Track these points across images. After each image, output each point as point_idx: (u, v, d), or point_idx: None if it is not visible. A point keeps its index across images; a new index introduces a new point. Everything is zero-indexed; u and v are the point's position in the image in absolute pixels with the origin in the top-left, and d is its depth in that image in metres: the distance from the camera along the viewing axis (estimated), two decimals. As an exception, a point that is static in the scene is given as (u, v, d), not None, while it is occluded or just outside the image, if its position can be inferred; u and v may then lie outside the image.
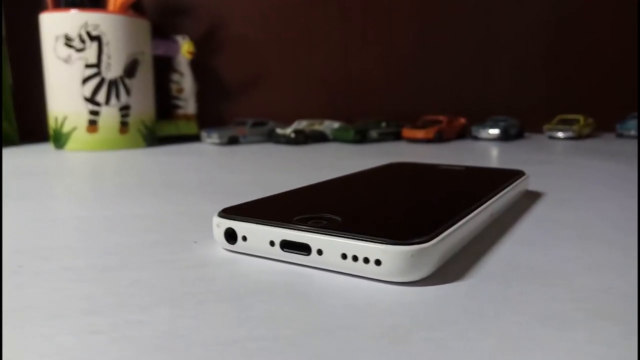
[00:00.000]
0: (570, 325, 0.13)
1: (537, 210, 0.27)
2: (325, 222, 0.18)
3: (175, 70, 0.70)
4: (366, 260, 0.16)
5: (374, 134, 0.69)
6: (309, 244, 0.17)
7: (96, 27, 0.57)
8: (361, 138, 0.67)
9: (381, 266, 0.16)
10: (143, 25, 0.62)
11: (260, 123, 0.69)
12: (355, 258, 0.16)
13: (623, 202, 0.29)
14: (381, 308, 0.14)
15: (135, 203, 0.29)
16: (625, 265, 0.18)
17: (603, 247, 0.20)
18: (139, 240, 0.21)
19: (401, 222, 0.18)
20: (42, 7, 0.61)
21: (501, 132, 0.70)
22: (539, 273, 0.17)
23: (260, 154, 0.55)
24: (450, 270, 0.17)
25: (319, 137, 0.69)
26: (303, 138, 0.66)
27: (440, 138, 0.69)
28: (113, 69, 0.59)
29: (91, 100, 0.58)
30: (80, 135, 0.59)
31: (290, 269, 0.18)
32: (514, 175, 0.29)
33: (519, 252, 0.19)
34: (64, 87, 0.58)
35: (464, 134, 0.75)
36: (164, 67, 0.70)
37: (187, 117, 0.71)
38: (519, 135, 0.74)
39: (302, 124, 0.69)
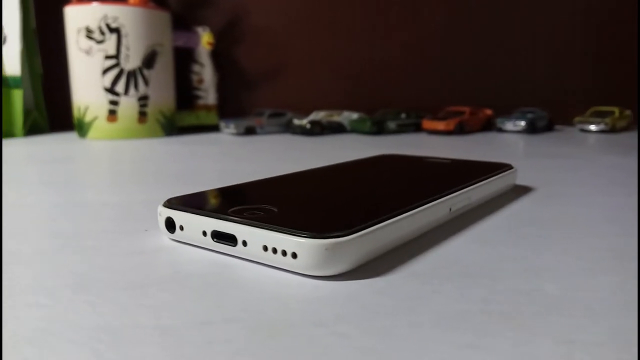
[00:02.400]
0: (462, 327, 0.12)
1: (515, 206, 0.25)
2: (262, 213, 0.18)
3: (195, 61, 0.71)
4: (284, 253, 0.16)
5: (392, 125, 0.68)
6: (235, 235, 0.17)
7: (115, 19, 0.58)
8: (378, 129, 0.66)
9: (297, 259, 0.16)
10: (163, 17, 0.63)
11: (278, 114, 0.69)
12: (274, 250, 0.16)
13: (619, 200, 0.27)
14: (282, 301, 0.14)
15: (126, 190, 0.30)
16: (571, 268, 0.17)
17: (559, 249, 0.19)
18: (95, 227, 0.22)
19: (329, 215, 0.18)
20: (68, 0, 0.63)
21: (527, 124, 0.67)
22: (470, 272, 0.16)
23: (274, 145, 0.55)
24: (377, 266, 0.17)
25: (336, 128, 0.68)
26: (319, 129, 0.66)
27: (461, 130, 0.67)
28: (132, 60, 0.60)
29: (111, 90, 0.60)
30: (101, 125, 0.61)
31: (219, 259, 0.18)
32: (497, 168, 0.28)
33: (465, 249, 0.19)
34: (86, 78, 0.60)
35: (489, 126, 0.73)
36: (185, 58, 0.71)
37: (207, 108, 0.72)
38: (547, 128, 0.71)
39: (319, 115, 0.68)
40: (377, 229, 0.17)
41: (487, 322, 0.13)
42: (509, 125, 0.68)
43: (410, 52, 0.81)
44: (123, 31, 0.59)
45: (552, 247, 0.19)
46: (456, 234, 0.20)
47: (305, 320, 0.13)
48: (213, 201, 0.20)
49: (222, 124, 0.67)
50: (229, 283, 0.15)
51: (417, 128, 0.71)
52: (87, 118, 0.61)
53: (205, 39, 0.70)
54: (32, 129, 0.68)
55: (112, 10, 0.58)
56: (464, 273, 0.16)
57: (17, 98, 0.63)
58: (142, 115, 0.62)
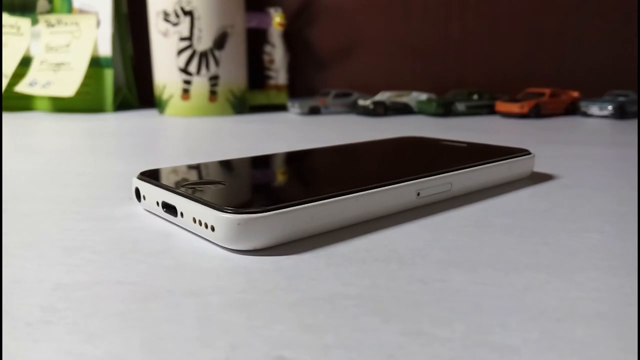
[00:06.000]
0: (323, 310, 0.12)
1: (513, 195, 0.24)
2: (211, 187, 0.19)
3: (267, 42, 0.73)
4: (206, 226, 0.17)
5: (461, 106, 0.65)
6: (176, 206, 0.18)
7: (189, 2, 0.62)
8: (445, 111, 0.64)
9: (215, 232, 0.16)
10: (234, 0, 0.65)
11: (344, 94, 0.69)
12: (200, 222, 0.17)
13: None
14: (182, 270, 0.15)
15: (161, 163, 0.32)
16: (503, 262, 0.15)
17: (512, 242, 0.17)
18: (95, 194, 0.24)
19: (260, 193, 0.18)
20: (152, -14, 0.68)
21: (614, 108, 0.60)
22: (389, 258, 0.16)
23: (334, 125, 0.55)
24: (301, 245, 0.17)
25: (402, 109, 0.67)
26: (382, 109, 0.65)
27: (537, 113, 0.62)
28: (204, 42, 0.64)
29: (184, 70, 0.64)
30: (176, 102, 0.65)
31: (166, 228, 0.19)
32: (509, 154, 0.26)
33: (409, 235, 0.18)
34: (164, 59, 0.65)
35: (573, 109, 0.66)
36: (259, 39, 0.74)
37: (277, 87, 0.74)
38: (643, 113, 0.63)
39: (385, 95, 0.67)
40: (300, 209, 0.17)
41: (353, 306, 0.12)
42: (594, 110, 0.62)
43: (489, 29, 0.76)
44: (196, 14, 0.62)
45: (508, 239, 0.17)
46: (416, 219, 0.20)
47: (185, 289, 0.14)
48: (175, 175, 0.21)
49: (289, 104, 0.69)
50: (154, 250, 0.16)
51: (491, 110, 0.67)
52: (165, 96, 0.66)
53: (276, 19, 0.71)
54: (122, 105, 0.74)
55: (186, -6, 0.62)
56: (382, 258, 0.16)
57: (108, 77, 0.70)
58: (213, 94, 0.66)
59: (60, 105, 0.70)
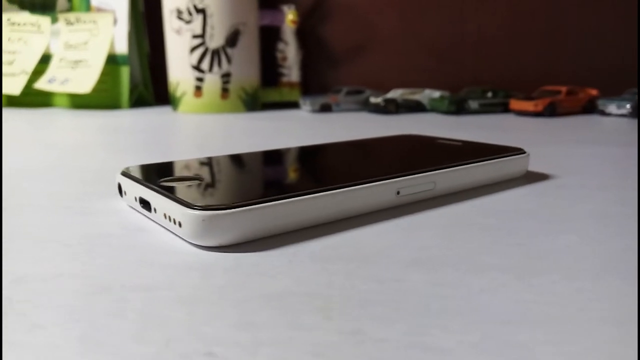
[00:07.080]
0: (267, 307, 0.12)
1: (504, 195, 0.23)
2: (188, 184, 0.19)
3: (280, 39, 0.73)
4: (174, 221, 0.17)
5: (474, 104, 0.64)
6: (150, 202, 0.18)
7: (202, 0, 0.62)
8: (457, 109, 0.63)
9: (182, 228, 0.16)
10: (247, -3, 0.66)
11: (356, 91, 0.69)
12: (169, 218, 0.17)
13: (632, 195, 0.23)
14: (145, 265, 0.15)
15: (162, 159, 0.33)
16: (466, 263, 0.15)
17: (485, 242, 0.17)
18: (87, 189, 0.25)
19: (230, 190, 0.19)
20: (167, -16, 0.68)
21: (633, 107, 0.58)
22: (354, 256, 0.16)
23: (343, 122, 0.55)
24: (271, 242, 0.17)
25: (414, 107, 0.66)
26: (394, 107, 0.64)
27: (553, 112, 0.61)
28: (216, 39, 0.64)
29: (197, 67, 0.65)
30: (188, 99, 0.66)
31: (143, 223, 0.19)
32: (501, 152, 0.25)
33: (382, 234, 0.18)
34: (177, 56, 0.66)
35: (591, 108, 0.65)
36: (273, 36, 0.74)
37: (290, 85, 0.74)
38: (664, 112, 0.61)
39: (397, 93, 0.67)
40: (267, 206, 0.17)
41: (298, 304, 0.12)
42: (612, 108, 0.60)
43: (505, 26, 0.74)
44: (208, 11, 0.63)
45: (482, 240, 0.17)
46: (395, 218, 0.20)
47: (138, 284, 0.14)
48: (157, 171, 0.21)
49: (301, 101, 0.69)
50: (123, 244, 0.17)
51: (505, 109, 0.65)
52: (178, 93, 0.67)
53: (289, 17, 0.71)
54: (138, 102, 0.76)
55: (199, -9, 0.62)
56: (346, 257, 0.16)
57: (124, 74, 0.71)
58: (225, 92, 0.66)
59: (78, 102, 0.71)
